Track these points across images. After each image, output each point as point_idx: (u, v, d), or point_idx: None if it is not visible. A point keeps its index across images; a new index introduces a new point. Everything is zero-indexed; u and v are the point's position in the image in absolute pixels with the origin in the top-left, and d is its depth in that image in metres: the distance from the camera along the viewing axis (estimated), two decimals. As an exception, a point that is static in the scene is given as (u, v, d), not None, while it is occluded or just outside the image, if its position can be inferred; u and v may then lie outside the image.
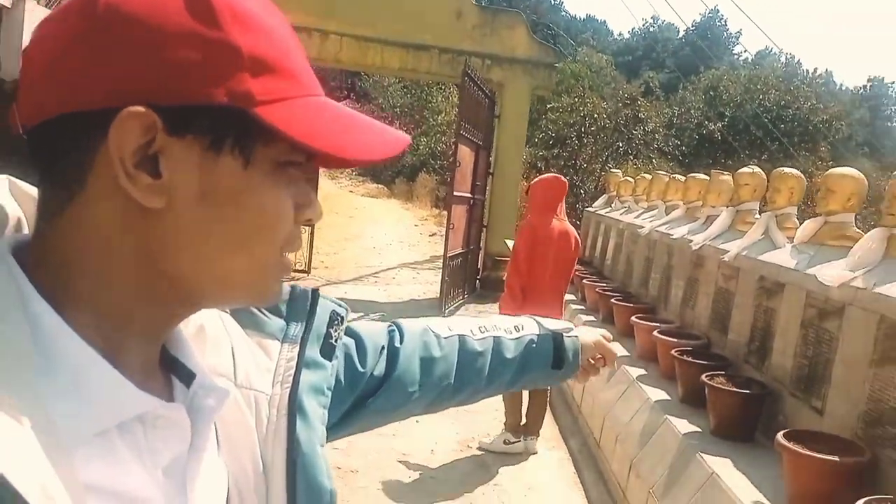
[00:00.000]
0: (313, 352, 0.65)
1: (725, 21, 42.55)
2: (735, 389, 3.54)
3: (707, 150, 23.38)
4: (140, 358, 0.52)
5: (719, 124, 24.19)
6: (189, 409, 0.53)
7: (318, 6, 9.18)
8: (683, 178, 6.57)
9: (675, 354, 4.07)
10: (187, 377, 0.55)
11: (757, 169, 5.08)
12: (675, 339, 4.44)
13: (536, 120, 16.89)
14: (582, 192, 15.66)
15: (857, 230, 3.80)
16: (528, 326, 1.07)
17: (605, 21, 50.18)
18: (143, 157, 0.46)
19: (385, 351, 0.89)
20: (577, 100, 17.32)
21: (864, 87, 43.68)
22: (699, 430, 3.61)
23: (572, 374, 1.12)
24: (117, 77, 0.46)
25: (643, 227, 6.51)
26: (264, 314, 0.64)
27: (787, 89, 25.91)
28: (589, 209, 10.03)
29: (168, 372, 0.56)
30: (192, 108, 0.47)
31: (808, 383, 3.43)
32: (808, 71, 33.81)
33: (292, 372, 0.62)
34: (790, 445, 2.74)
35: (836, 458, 2.66)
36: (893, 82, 43.75)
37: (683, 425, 3.68)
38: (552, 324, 1.11)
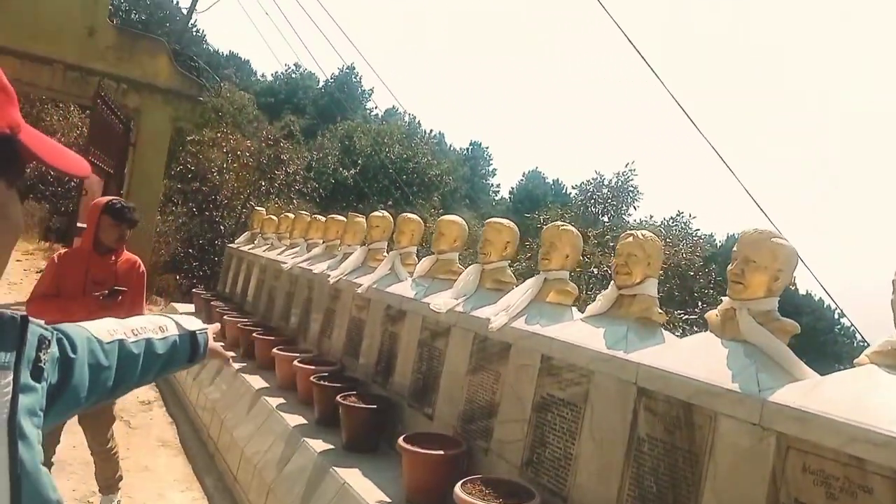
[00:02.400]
0: (25, 376, 0.67)
1: (360, 78, 46.53)
2: (362, 406, 3.96)
3: (342, 195, 25.12)
4: None
5: (352, 171, 26.29)
6: None
7: None
8: (324, 219, 7.06)
9: (313, 380, 4.36)
10: None
11: (386, 213, 5.79)
12: (313, 367, 4.75)
13: (175, 152, 16.06)
14: (222, 228, 15.34)
15: (460, 266, 4.65)
16: (171, 327, 1.27)
17: (248, 61, 50.12)
18: None
19: (58, 362, 0.90)
20: (219, 135, 17.00)
21: (467, 148, 52.08)
22: (333, 447, 3.94)
23: (200, 362, 1.39)
24: None
25: (286, 262, 6.77)
26: None
27: (409, 145, 29.56)
28: (231, 245, 9.94)
29: None
30: None
31: (421, 394, 4.04)
32: (425, 131, 38.97)
33: (9, 398, 0.62)
34: (406, 446, 3.22)
35: (440, 452, 3.22)
36: (488, 147, 53.03)
37: (319, 444, 3.96)
38: (187, 322, 1.32)
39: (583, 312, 3.63)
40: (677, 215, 17.13)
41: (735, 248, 2.78)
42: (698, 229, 17.36)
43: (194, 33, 36.30)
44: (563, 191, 43.14)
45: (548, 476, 2.97)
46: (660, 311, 3.14)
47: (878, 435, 1.80)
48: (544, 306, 3.59)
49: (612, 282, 3.30)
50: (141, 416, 5.99)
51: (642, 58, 8.08)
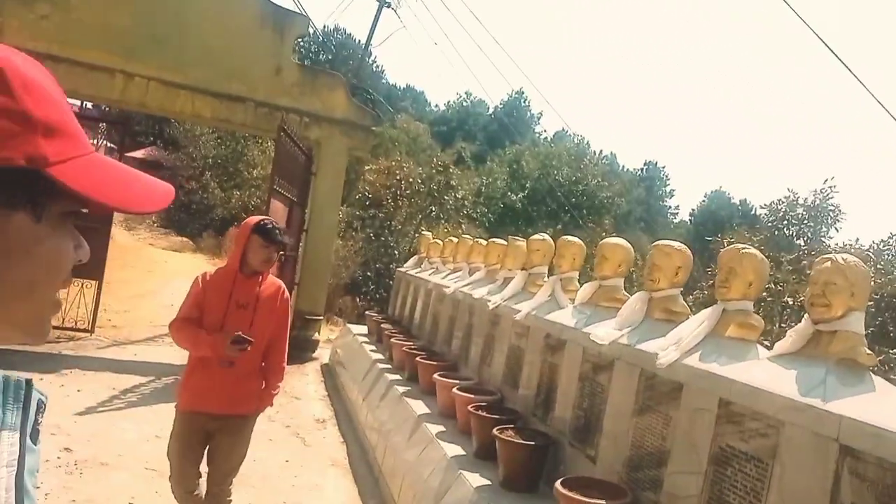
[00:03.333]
0: (27, 438, 0.69)
1: (529, 102, 46.91)
2: (521, 442, 3.76)
3: (510, 219, 25.22)
4: None
5: (521, 195, 26.33)
6: None
7: (122, 47, 8.70)
8: (485, 243, 7.03)
9: (471, 410, 4.25)
10: None
11: (546, 236, 5.59)
12: (472, 395, 4.64)
13: (354, 180, 17.13)
14: (396, 252, 16.01)
15: (625, 293, 4.31)
16: None
17: (423, 92, 52.65)
18: None
19: None
20: (394, 163, 17.89)
21: (642, 169, 50.01)
22: (490, 482, 3.77)
23: None
24: None
25: (448, 287, 6.81)
26: None
27: (578, 167, 29.02)
28: (400, 269, 10.28)
29: None
30: None
31: (583, 433, 3.76)
32: (595, 152, 38.03)
33: (16, 456, 0.66)
34: (565, 492, 2.97)
35: (602, 502, 2.93)
36: (664, 166, 50.62)
37: (476, 479, 3.82)
38: None
39: (770, 349, 3.17)
40: (889, 238, 14.94)
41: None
42: (916, 255, 15.00)
43: (374, 69, 38.81)
44: (752, 211, 39.77)
45: (727, 541, 2.57)
46: (868, 351, 2.63)
47: None
48: (723, 342, 3.17)
49: (805, 315, 2.83)
50: (315, 433, 6.28)
51: (838, 58, 7.15)
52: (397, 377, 6.25)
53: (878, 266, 11.64)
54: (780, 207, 16.67)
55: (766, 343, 3.32)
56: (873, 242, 14.89)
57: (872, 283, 3.17)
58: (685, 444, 2.95)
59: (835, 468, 2.20)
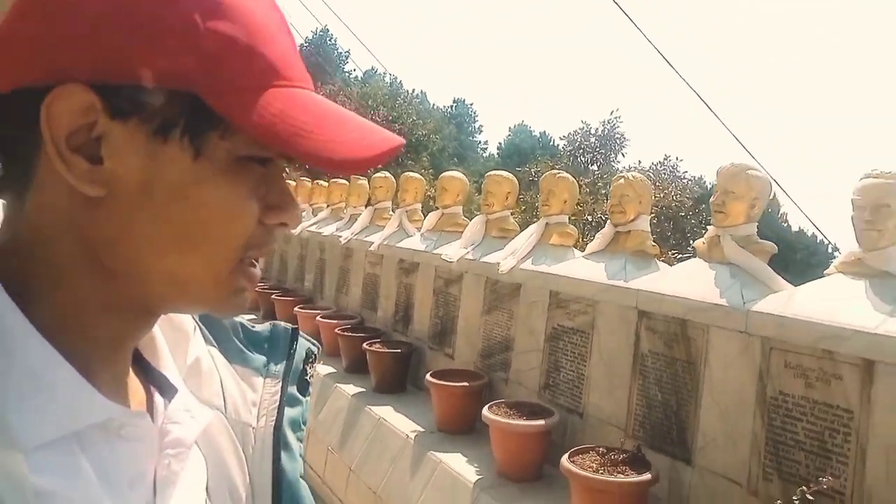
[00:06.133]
0: (292, 388, 0.65)
1: (336, 40, 46.01)
2: (388, 350, 4.34)
3: (333, 161, 25.18)
4: (107, 367, 0.48)
5: (340, 136, 26.27)
6: (169, 422, 0.51)
7: None
8: (327, 184, 7.33)
9: (339, 332, 4.72)
10: (169, 391, 0.53)
11: (388, 174, 6.07)
12: (336, 321, 5.10)
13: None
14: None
15: (465, 218, 4.97)
16: None
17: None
18: (84, 140, 0.42)
19: None
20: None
21: (451, 106, 51.75)
22: (364, 390, 4.32)
23: None
24: (59, 50, 0.41)
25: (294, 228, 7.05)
26: (249, 350, 0.63)
27: (394, 106, 29.46)
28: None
29: (149, 385, 0.53)
30: (140, 89, 0.42)
31: (441, 337, 4.41)
32: (408, 91, 38.66)
33: (276, 406, 0.62)
34: (433, 380, 3.60)
35: (465, 384, 3.60)
36: (472, 103, 52.74)
37: (351, 388, 4.34)
38: None
39: (583, 253, 3.99)
40: (664, 159, 17.47)
41: (715, 182, 3.12)
42: (686, 171, 17.73)
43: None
44: (551, 142, 43.16)
45: (564, 397, 3.35)
46: (653, 244, 3.50)
47: (845, 329, 2.17)
48: (548, 248, 3.93)
49: (608, 221, 3.64)
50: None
51: (617, 4, 8.26)
52: (252, 317, 6.48)
53: (657, 183, 13.69)
54: (575, 138, 18.64)
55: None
56: (652, 163, 17.32)
57: (653, 197, 4.08)
58: (526, 330, 3.69)
59: (635, 328, 3.01)
